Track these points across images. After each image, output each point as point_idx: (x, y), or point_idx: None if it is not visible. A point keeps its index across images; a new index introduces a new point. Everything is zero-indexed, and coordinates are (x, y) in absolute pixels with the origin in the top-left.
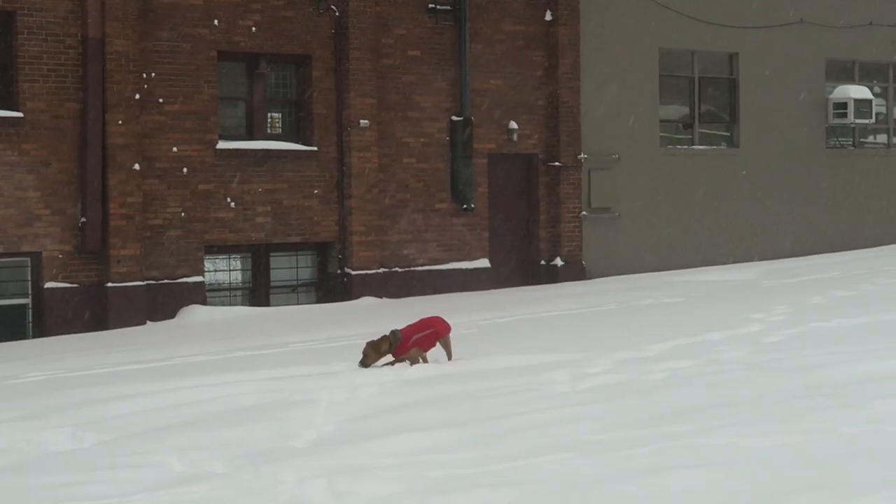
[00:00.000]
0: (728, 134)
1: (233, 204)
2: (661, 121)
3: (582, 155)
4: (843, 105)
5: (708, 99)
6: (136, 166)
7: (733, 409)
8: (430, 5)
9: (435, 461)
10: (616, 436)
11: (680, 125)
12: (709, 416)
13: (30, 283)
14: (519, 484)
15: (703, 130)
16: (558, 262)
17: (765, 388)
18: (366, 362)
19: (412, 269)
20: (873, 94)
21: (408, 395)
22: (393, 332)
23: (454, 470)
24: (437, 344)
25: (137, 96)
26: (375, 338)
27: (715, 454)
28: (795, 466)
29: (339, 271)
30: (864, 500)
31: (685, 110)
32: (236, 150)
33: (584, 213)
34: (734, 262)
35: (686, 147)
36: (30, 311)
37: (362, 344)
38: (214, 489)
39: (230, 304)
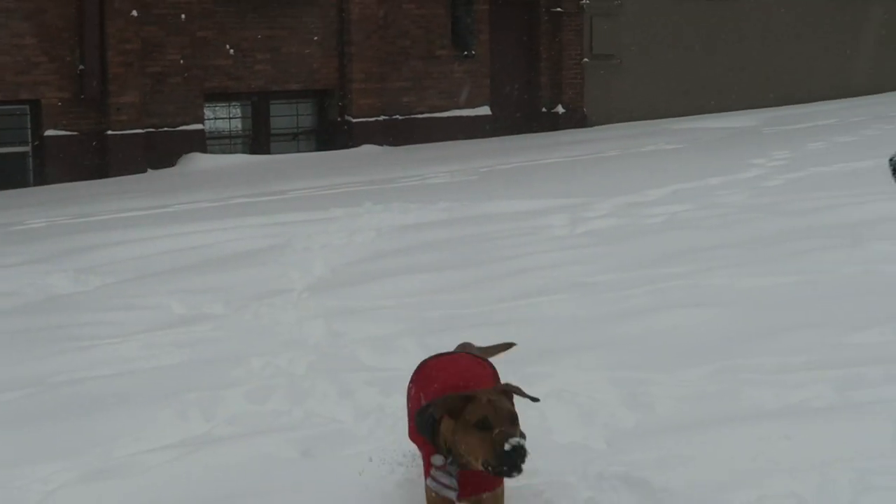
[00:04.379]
0: None
1: (232, 51)
2: None
3: (584, 0)
4: None
5: None
6: (134, 13)
7: (731, 251)
8: None
9: (432, 302)
10: (613, 277)
11: None
12: (706, 258)
13: (30, 130)
14: (515, 323)
15: None
16: (559, 109)
17: (763, 231)
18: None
19: (413, 116)
20: None
21: (406, 239)
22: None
23: (451, 310)
24: None
25: None
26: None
27: (711, 294)
28: (791, 306)
29: (339, 119)
30: (859, 335)
31: None
32: None
33: (585, 59)
34: (738, 109)
35: None
36: (30, 158)
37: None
38: (214, 329)
39: (230, 153)
